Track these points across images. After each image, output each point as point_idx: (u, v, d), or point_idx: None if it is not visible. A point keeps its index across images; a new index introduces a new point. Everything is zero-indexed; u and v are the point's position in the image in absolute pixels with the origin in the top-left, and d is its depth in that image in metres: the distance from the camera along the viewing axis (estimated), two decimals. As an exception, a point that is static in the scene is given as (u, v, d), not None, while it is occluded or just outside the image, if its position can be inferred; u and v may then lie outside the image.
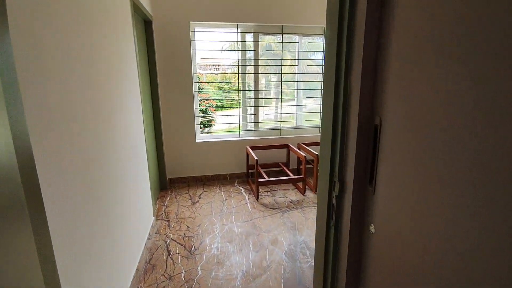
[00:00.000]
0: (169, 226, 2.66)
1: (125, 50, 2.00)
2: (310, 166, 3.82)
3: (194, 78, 3.56)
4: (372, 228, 0.72)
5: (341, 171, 0.81)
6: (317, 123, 4.08)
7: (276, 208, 3.01)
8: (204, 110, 5.49)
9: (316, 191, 3.38)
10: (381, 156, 0.69)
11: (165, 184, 3.51)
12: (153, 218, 2.62)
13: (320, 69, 3.94)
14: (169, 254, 2.24)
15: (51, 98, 1.02)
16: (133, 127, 2.10)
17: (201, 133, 3.87)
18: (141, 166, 2.30)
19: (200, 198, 3.28)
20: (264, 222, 2.72)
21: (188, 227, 2.64)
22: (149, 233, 2.40)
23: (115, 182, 1.66)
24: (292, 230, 2.59)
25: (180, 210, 2.97)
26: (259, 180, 3.17)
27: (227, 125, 4.63)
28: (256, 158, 3.14)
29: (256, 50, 3.67)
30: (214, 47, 3.52)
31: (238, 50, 3.60)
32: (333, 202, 0.85)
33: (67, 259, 1.06)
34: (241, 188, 3.57)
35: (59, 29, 1.10)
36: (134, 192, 2.06)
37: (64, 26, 1.14)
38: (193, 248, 2.31)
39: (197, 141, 3.67)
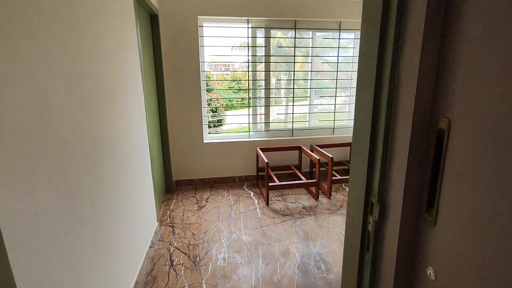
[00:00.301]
0: (173, 232, 2.50)
1: (125, 45, 1.84)
2: (324, 169, 3.60)
3: (202, 76, 3.40)
4: (431, 272, 0.52)
5: (382, 189, 0.61)
6: (331, 123, 3.86)
7: (288, 215, 2.81)
8: (214, 109, 5.33)
9: (330, 196, 3.16)
10: (448, 172, 0.49)
11: (171, 186, 3.36)
12: (156, 224, 2.46)
13: (335, 67, 3.71)
14: (172, 265, 2.07)
15: (22, 101, 0.86)
16: (134, 128, 1.94)
17: (209, 133, 3.71)
18: (143, 169, 2.14)
19: (207, 202, 3.11)
20: (275, 230, 2.53)
21: (193, 234, 2.48)
22: (152, 241, 2.24)
23: (113, 187, 1.50)
24: (305, 240, 2.38)
25: (186, 215, 2.81)
26: (270, 184, 2.98)
27: (237, 125, 4.46)
28: (266, 160, 2.95)
29: (267, 46, 3.48)
30: (223, 43, 3.35)
31: (248, 47, 3.42)
32: (370, 229, 0.65)
33: (49, 272, 0.90)
34: (250, 191, 3.39)
35: (36, 21, 0.94)
36: (136, 198, 1.91)
37: (46, 16, 0.98)
38: (198, 259, 2.14)
39: (204, 141, 3.51)
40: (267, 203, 3.03)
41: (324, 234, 2.45)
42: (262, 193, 3.27)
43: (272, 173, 3.32)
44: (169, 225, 2.62)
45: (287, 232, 2.50)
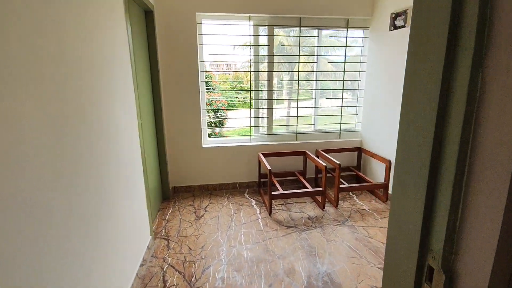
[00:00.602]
0: (168, 247, 2.30)
1: (113, 43, 1.65)
2: (329, 175, 3.39)
3: (202, 76, 3.20)
4: None
5: (450, 250, 0.41)
6: (337, 127, 3.65)
7: (292, 226, 2.61)
8: (216, 110, 5.16)
9: (337, 205, 2.95)
10: None
11: (168, 193, 3.17)
12: (149, 237, 2.26)
13: (339, 67, 3.50)
14: (164, 286, 1.87)
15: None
16: (122, 132, 1.74)
17: (210, 134, 3.51)
18: (134, 178, 1.94)
19: (206, 211, 2.91)
20: (278, 245, 2.32)
21: (190, 248, 2.28)
22: (144, 258, 2.05)
23: (97, 201, 1.31)
24: (311, 256, 2.18)
25: (183, 226, 2.61)
26: (273, 193, 2.78)
27: (238, 127, 4.27)
28: (269, 167, 2.74)
29: (270, 45, 3.27)
30: (224, 42, 3.15)
31: (250, 45, 3.22)
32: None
33: None
34: (251, 199, 3.19)
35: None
36: (125, 211, 1.71)
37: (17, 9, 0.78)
38: (193, 278, 1.94)
39: (203, 146, 3.31)
40: (270, 213, 2.83)
41: (332, 250, 2.24)
42: (264, 202, 3.07)
43: (275, 180, 3.11)
44: (164, 238, 2.42)
45: (291, 246, 2.30)
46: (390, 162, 2.96)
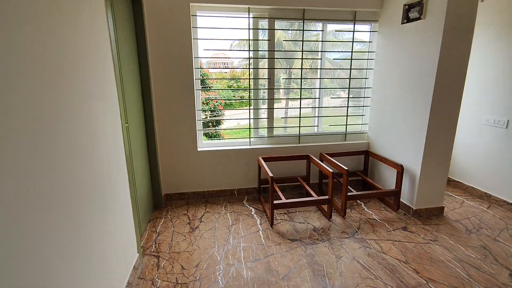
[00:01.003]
0: (158, 265, 2.04)
1: (88, 34, 1.38)
2: (334, 180, 3.14)
3: (196, 74, 2.93)
4: None
5: None
6: (343, 128, 3.40)
7: (296, 240, 2.36)
8: (212, 109, 4.95)
9: (345, 215, 2.71)
10: None
11: (160, 202, 2.90)
12: (137, 255, 2.00)
13: (347, 64, 3.25)
14: (152, 317, 1.61)
15: None
16: (101, 136, 1.48)
17: (206, 135, 3.25)
18: (116, 189, 1.68)
19: (201, 222, 2.65)
20: (282, 262, 2.07)
21: (182, 267, 2.02)
22: (129, 281, 1.78)
23: (69, 217, 1.04)
24: (319, 277, 1.93)
25: (175, 240, 2.35)
26: (275, 202, 2.52)
27: (236, 129, 4.01)
28: (271, 174, 2.49)
29: (271, 40, 3.01)
30: (220, 36, 2.88)
31: (249, 40, 2.95)
32: None
33: None
34: (251, 208, 2.93)
35: None
36: (105, 228, 1.45)
37: None
38: (186, 307, 1.68)
39: (199, 149, 3.05)
40: (272, 224, 2.57)
41: (343, 269, 1.99)
42: (265, 211, 2.81)
43: (277, 187, 2.86)
44: (153, 255, 2.16)
45: (296, 265, 2.05)
46: (402, 167, 2.72)
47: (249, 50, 2.98)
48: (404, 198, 2.80)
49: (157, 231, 2.48)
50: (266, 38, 3.02)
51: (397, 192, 2.76)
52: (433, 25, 2.38)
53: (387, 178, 3.06)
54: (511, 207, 2.84)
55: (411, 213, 2.71)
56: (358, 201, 3.02)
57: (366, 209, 2.86)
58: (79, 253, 1.20)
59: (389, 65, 2.96)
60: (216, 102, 4.05)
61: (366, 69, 3.30)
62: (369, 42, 3.24)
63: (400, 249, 2.21)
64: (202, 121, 3.11)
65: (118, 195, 1.70)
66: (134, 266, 1.90)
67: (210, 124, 3.97)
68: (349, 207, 2.91)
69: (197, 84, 2.96)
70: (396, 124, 2.89)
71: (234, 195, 3.22)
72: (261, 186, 3.18)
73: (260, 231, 2.49)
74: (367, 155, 3.33)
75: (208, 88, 3.67)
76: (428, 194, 2.68)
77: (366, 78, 3.34)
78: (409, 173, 2.72)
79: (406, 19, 2.68)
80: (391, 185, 2.97)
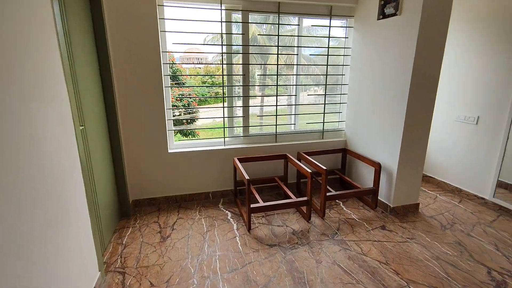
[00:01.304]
0: (123, 283, 1.84)
1: (22, 23, 1.14)
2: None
3: (165, 69, 2.71)
4: None
5: None
6: (320, 126, 3.33)
7: (275, 245, 2.25)
8: (186, 105, 4.73)
9: (324, 215, 2.64)
10: None
11: (127, 209, 2.66)
12: (98, 274, 1.78)
13: (323, 60, 3.17)
14: None
15: None
16: (45, 141, 1.25)
17: (181, 135, 3.04)
18: (67, 196, 1.46)
19: (173, 230, 2.46)
20: (261, 271, 1.95)
21: (151, 284, 1.83)
22: (88, 306, 1.57)
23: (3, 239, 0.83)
24: (301, 285, 1.83)
25: (144, 252, 2.15)
26: (252, 206, 2.39)
27: (211, 130, 3.82)
28: (247, 177, 2.35)
29: (245, 34, 2.85)
30: (190, 29, 2.67)
31: (221, 34, 2.77)
32: None
33: None
34: (227, 211, 2.78)
35: None
36: (57, 246, 1.23)
37: None
38: (155, 331, 1.51)
39: (170, 151, 2.84)
40: (249, 229, 2.44)
41: (324, 275, 1.91)
42: (242, 214, 2.68)
43: (254, 190, 2.73)
44: (118, 271, 1.95)
45: (276, 273, 1.93)
46: (380, 165, 2.69)
47: (222, 45, 2.80)
48: (381, 196, 2.79)
49: (124, 243, 2.26)
50: (240, 32, 2.85)
51: (375, 191, 2.74)
52: (409, 21, 2.35)
53: (365, 176, 3.04)
54: (481, 201, 2.93)
55: (388, 211, 2.71)
56: (337, 201, 2.97)
57: (344, 209, 2.82)
58: (20, 283, 0.99)
59: (365, 62, 2.92)
60: (190, 98, 3.82)
61: (342, 65, 3.25)
62: (345, 38, 3.18)
63: (380, 250, 2.17)
64: (174, 119, 2.89)
65: (72, 207, 1.48)
66: (94, 287, 1.69)
67: (185, 121, 3.75)
68: (328, 207, 2.85)
69: (166, 81, 2.74)
70: (373, 121, 2.86)
71: (209, 198, 3.05)
72: (237, 188, 3.04)
73: (237, 237, 2.35)
74: (345, 153, 3.30)
75: (182, 84, 3.45)
76: (404, 191, 2.68)
77: (342, 75, 3.29)
78: (387, 171, 2.70)
79: (382, 15, 2.63)
80: (369, 183, 2.95)
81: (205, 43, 3.37)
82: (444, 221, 2.60)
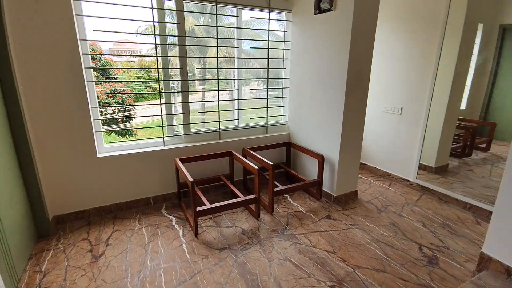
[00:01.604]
0: (44, 321, 1.52)
1: None
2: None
3: (86, 61, 2.33)
4: None
5: None
6: (264, 121, 3.31)
7: (225, 248, 2.14)
8: (121, 102, 4.23)
9: (273, 211, 2.62)
10: None
11: (46, 228, 2.24)
12: (8, 316, 1.44)
13: (264, 53, 3.13)
14: None
15: None
16: None
17: (118, 136, 2.67)
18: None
19: (108, 245, 2.15)
20: (212, 279, 1.82)
21: (82, 315, 1.55)
22: None
23: None
24: (254, 287, 1.76)
25: (71, 278, 1.82)
26: (198, 209, 2.23)
27: (150, 130, 3.50)
28: (191, 179, 2.17)
29: (181, 23, 2.62)
30: (114, 14, 2.32)
31: (153, 22, 2.49)
32: None
33: None
34: (171, 217, 2.57)
35: None
36: None
37: None
38: None
39: (99, 155, 2.48)
40: (196, 234, 2.28)
41: (277, 273, 1.88)
42: (187, 218, 2.49)
43: (199, 191, 2.56)
44: (37, 306, 1.61)
45: (228, 278, 1.83)
46: (323, 157, 2.78)
47: (154, 35, 2.52)
48: (325, 187, 2.90)
49: (43, 270, 1.89)
50: (175, 21, 2.61)
51: (319, 182, 2.83)
52: (343, 17, 2.43)
53: (309, 168, 3.13)
54: (406, 183, 3.27)
55: (332, 200, 2.83)
56: (284, 195, 2.99)
57: (292, 202, 2.85)
58: None
59: (305, 56, 2.96)
60: (124, 95, 3.43)
61: (283, 59, 3.26)
62: (284, 31, 3.18)
63: (327, 240, 2.24)
64: (103, 119, 2.52)
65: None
66: (3, 334, 1.35)
67: (120, 120, 3.36)
68: (276, 202, 2.85)
69: (90, 74, 2.36)
70: (314, 114, 2.94)
71: (150, 204, 2.77)
72: (181, 190, 2.83)
73: (183, 245, 2.17)
74: (289, 147, 3.34)
75: (113, 79, 3.05)
76: (345, 180, 2.83)
77: (283, 69, 3.30)
78: (329, 162, 2.81)
79: (318, 9, 2.68)
80: (313, 175, 3.04)
81: (138, 33, 3.01)
82: (379, 205, 2.83)
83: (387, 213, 2.67)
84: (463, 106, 2.95)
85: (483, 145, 2.99)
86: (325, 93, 2.74)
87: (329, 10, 2.56)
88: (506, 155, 2.92)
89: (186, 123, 2.87)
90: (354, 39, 2.41)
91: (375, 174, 3.63)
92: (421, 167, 3.15)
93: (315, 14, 2.73)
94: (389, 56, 3.27)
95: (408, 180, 3.25)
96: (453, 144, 3.06)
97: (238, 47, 3.01)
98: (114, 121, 3.25)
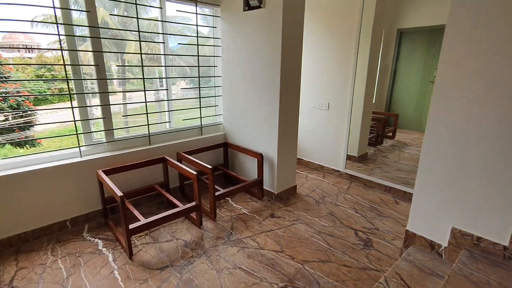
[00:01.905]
0: None
1: None
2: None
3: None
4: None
5: None
6: (198, 122, 3.12)
7: (167, 266, 1.92)
8: (16, 106, 3.55)
9: (215, 217, 2.48)
10: None
11: None
12: None
13: (194, 50, 2.94)
14: None
15: None
16: None
17: (15, 147, 2.12)
18: None
19: (9, 290, 1.69)
20: (154, 306, 1.60)
21: None
22: None
23: None
24: (205, 305, 1.61)
25: None
26: (131, 227, 1.94)
27: (59, 139, 2.94)
28: (120, 194, 1.87)
29: (91, 12, 2.23)
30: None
31: (54, 8, 2.05)
32: None
33: None
34: (96, 239, 2.19)
35: None
36: None
37: None
38: None
39: (-13, 177, 1.93)
40: (131, 255, 1.99)
41: (227, 284, 1.76)
42: (117, 238, 2.16)
43: (130, 205, 2.24)
44: None
45: (174, 301, 1.63)
46: (261, 155, 2.76)
47: (57, 23, 2.08)
48: (266, 185, 2.89)
49: None
50: (83, 9, 2.21)
51: (260, 181, 2.81)
52: (273, 14, 2.43)
53: (249, 168, 3.08)
54: (337, 173, 3.53)
55: (274, 198, 2.84)
56: (226, 198, 2.88)
57: (234, 205, 2.76)
58: None
59: (236, 53, 2.89)
60: (20, 97, 2.84)
61: (214, 56, 3.12)
62: (213, 27, 3.04)
63: (274, 239, 2.22)
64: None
65: None
66: None
67: (17, 128, 2.81)
68: (218, 206, 2.72)
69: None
70: (250, 112, 2.90)
71: (66, 229, 2.31)
72: (107, 206, 2.44)
73: (115, 271, 1.86)
74: (226, 147, 3.23)
75: (3, 79, 2.43)
76: (285, 176, 2.87)
77: (214, 66, 3.16)
78: (268, 160, 2.81)
79: (247, 6, 2.63)
80: (253, 174, 3.00)
81: (36, 23, 2.48)
82: (316, 197, 2.96)
83: (324, 204, 2.82)
84: (373, 100, 3.35)
85: (390, 134, 3.47)
86: (260, 90, 2.72)
87: (258, 7, 2.53)
88: (409, 141, 3.43)
89: (108, 129, 2.49)
90: (285, 37, 2.44)
91: (309, 167, 3.81)
92: (348, 157, 3.43)
93: (244, 10, 2.67)
94: (315, 56, 3.45)
95: (338, 171, 3.51)
96: (369, 135, 3.45)
97: (164, 42, 2.74)
98: (8, 130, 2.62)
